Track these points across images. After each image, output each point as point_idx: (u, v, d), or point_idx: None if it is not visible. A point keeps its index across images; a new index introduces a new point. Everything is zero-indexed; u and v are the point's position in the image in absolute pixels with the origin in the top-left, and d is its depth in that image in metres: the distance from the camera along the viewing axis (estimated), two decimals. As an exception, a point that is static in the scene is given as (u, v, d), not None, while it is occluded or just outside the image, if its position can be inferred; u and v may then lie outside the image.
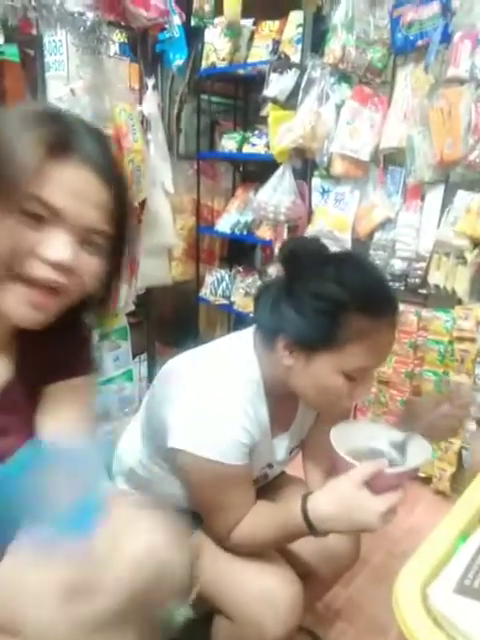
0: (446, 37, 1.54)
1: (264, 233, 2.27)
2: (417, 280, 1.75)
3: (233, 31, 2.26)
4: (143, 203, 1.86)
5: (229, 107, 2.72)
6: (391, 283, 1.73)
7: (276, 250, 2.16)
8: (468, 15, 1.49)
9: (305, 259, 0.79)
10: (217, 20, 2.29)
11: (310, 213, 2.04)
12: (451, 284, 1.66)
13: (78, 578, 0.52)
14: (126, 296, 1.83)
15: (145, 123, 1.92)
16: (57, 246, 0.55)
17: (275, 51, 2.15)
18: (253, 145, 2.33)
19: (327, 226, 1.91)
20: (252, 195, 2.34)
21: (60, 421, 0.66)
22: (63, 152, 0.55)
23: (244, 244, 2.62)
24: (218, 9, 2.22)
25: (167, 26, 1.96)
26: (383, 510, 0.71)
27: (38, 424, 0.67)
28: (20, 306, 0.56)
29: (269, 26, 2.25)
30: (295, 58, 2.03)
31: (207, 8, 2.20)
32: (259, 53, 2.26)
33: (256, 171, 2.61)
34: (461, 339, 1.66)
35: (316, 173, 1.99)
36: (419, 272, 1.74)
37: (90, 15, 1.66)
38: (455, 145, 1.54)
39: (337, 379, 0.77)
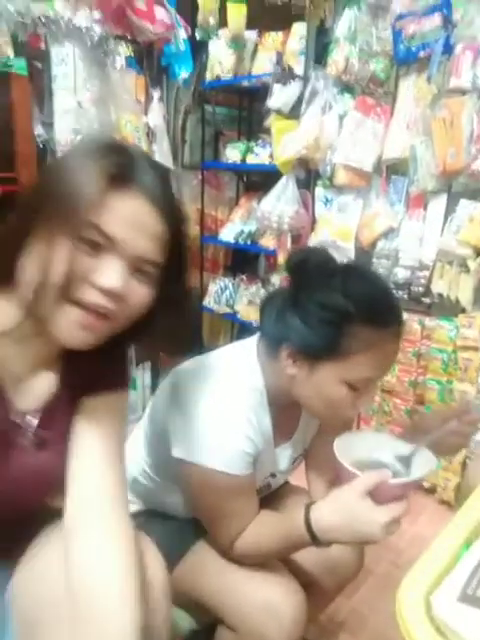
0: (448, 48, 1.56)
1: (268, 242, 2.28)
2: (420, 289, 1.76)
3: (237, 43, 2.30)
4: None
5: (233, 118, 2.75)
6: (394, 292, 1.74)
7: (280, 259, 2.16)
8: (469, 27, 1.51)
9: (312, 269, 0.79)
10: (221, 32, 2.32)
11: (313, 222, 2.05)
12: (454, 293, 1.66)
13: None
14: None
15: (150, 134, 1.95)
16: (110, 274, 0.56)
17: (279, 62, 2.18)
18: (257, 155, 2.35)
19: (330, 235, 1.92)
20: (256, 204, 2.35)
21: (92, 436, 0.67)
22: (123, 183, 0.57)
23: (248, 253, 2.63)
24: (222, 21, 2.25)
25: (172, 40, 2.00)
26: (386, 521, 0.70)
27: (72, 438, 0.68)
28: (71, 328, 0.58)
29: (273, 38, 2.28)
30: (298, 69, 2.05)
31: (212, 21, 2.23)
32: (263, 65, 2.28)
33: (260, 181, 2.63)
34: (465, 348, 1.66)
35: (319, 183, 2.01)
36: (422, 281, 1.74)
37: (97, 30, 1.69)
38: (458, 154, 1.55)
39: (341, 389, 0.77)
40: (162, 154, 1.96)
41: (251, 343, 0.89)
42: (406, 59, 1.69)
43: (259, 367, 0.86)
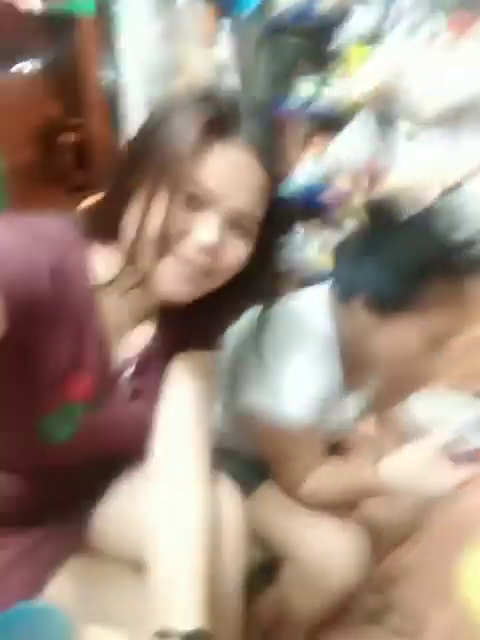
0: None
1: (343, 183, 2.16)
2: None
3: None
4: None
5: (308, 48, 2.55)
6: (477, 240, 1.60)
7: (355, 202, 2.05)
8: None
9: (393, 214, 0.75)
10: None
11: (393, 163, 1.90)
12: None
13: None
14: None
15: (220, 68, 1.86)
16: (206, 230, 0.55)
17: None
18: (332, 89, 2.18)
19: (412, 177, 1.78)
20: (330, 143, 2.22)
21: (182, 389, 0.69)
22: (221, 134, 0.55)
23: (320, 195, 2.51)
24: None
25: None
26: (454, 480, 0.70)
27: (163, 390, 0.70)
28: (170, 281, 0.58)
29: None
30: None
31: None
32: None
33: (335, 117, 2.46)
34: None
35: (402, 119, 1.84)
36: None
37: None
38: None
39: (416, 342, 0.75)
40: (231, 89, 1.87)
41: (323, 290, 0.87)
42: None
43: (331, 315, 0.83)
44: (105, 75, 1.75)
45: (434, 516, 0.97)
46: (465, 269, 0.72)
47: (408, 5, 1.68)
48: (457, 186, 1.69)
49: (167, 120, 0.56)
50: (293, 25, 2.40)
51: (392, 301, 0.74)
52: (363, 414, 1.00)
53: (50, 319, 0.58)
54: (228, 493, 0.71)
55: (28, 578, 0.69)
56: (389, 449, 0.94)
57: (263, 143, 0.57)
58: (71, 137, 4.73)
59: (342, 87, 2.11)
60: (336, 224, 2.42)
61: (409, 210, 0.77)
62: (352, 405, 0.94)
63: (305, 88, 2.32)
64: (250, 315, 0.87)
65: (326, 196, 2.27)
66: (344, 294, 0.80)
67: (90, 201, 0.66)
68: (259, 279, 0.66)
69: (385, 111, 1.90)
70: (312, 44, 2.52)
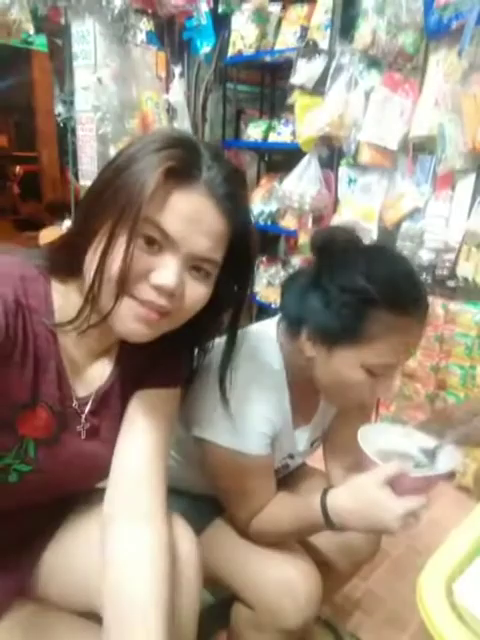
0: (482, 19, 1.48)
1: (289, 223, 2.25)
2: (445, 272, 1.71)
3: (260, 17, 2.23)
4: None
5: (255, 95, 2.69)
6: (418, 275, 1.70)
7: (301, 240, 2.13)
8: (506, -4, 1.43)
9: (336, 250, 0.78)
10: (244, 6, 2.26)
11: (336, 203, 2.01)
12: (481, 276, 1.62)
13: None
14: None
15: (171, 111, 1.92)
16: (164, 273, 0.56)
17: (303, 37, 2.11)
18: (279, 133, 2.30)
19: (353, 216, 1.88)
20: (277, 184, 2.31)
21: (140, 428, 0.68)
22: (184, 179, 0.56)
23: (268, 234, 2.60)
24: (245, -6, 2.18)
25: (194, 13, 1.95)
26: (402, 513, 0.68)
27: (121, 428, 0.69)
28: (128, 321, 0.58)
29: (297, 11, 2.20)
30: (323, 44, 1.98)
31: (234, -6, 2.17)
32: (287, 40, 2.21)
33: (282, 160, 2.58)
34: (490, 333, 1.62)
35: (343, 162, 1.96)
36: (447, 264, 1.70)
37: (117, 3, 1.66)
38: (488, 133, 1.49)
39: (359, 374, 0.76)
40: (183, 132, 1.93)
41: (271, 324, 0.89)
42: (437, 31, 1.61)
43: (279, 348, 0.85)
44: (59, 110, 1.77)
45: (389, 539, 0.97)
46: (406, 302, 0.75)
47: (346, 62, 1.82)
48: (396, 224, 1.80)
49: (131, 163, 0.56)
50: (242, 72, 2.53)
51: (334, 333, 0.75)
52: (313, 446, 1.01)
53: (7, 355, 0.57)
54: (182, 531, 0.70)
55: None
56: (338, 481, 0.95)
57: (225, 190, 0.58)
58: (18, 169, 4.67)
59: (288, 132, 2.23)
60: (283, 261, 2.51)
61: (353, 244, 0.80)
62: (303, 437, 0.95)
63: (254, 132, 2.42)
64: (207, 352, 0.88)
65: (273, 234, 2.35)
66: (291, 327, 0.82)
67: (44, 236, 0.66)
68: (218, 320, 0.67)
69: (328, 155, 2.02)
70: (260, 91, 2.67)
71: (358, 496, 0.73)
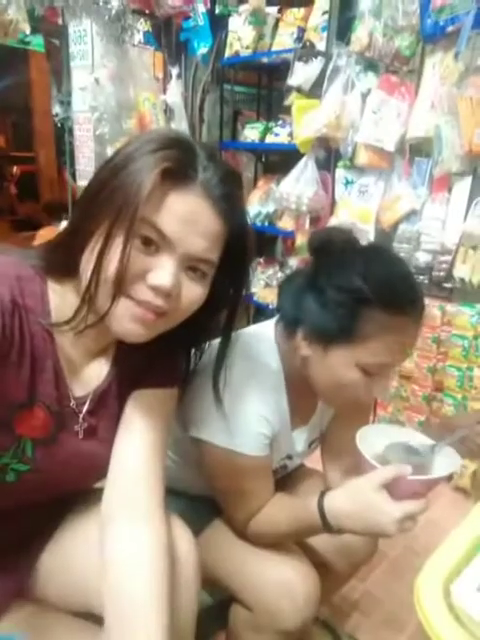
0: (478, 22, 1.49)
1: (286, 224, 2.25)
2: (442, 273, 1.72)
3: (257, 19, 2.24)
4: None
5: (252, 96, 2.70)
6: (416, 277, 1.70)
7: (298, 241, 2.14)
8: (502, -1, 1.44)
9: (333, 250, 0.78)
10: (242, 8, 2.26)
11: (333, 204, 2.01)
12: (477, 278, 1.62)
13: None
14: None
15: (168, 112, 1.92)
16: (161, 273, 0.56)
17: (300, 39, 2.12)
18: (276, 135, 2.30)
19: (350, 217, 1.88)
20: (274, 186, 2.32)
21: (137, 428, 0.68)
22: (180, 179, 0.56)
23: (265, 235, 2.60)
24: (243, -4, 2.19)
25: (191, 14, 1.95)
26: (399, 516, 0.68)
27: (119, 428, 0.69)
28: (124, 321, 0.58)
29: (294, 13, 2.21)
30: (320, 46, 1.99)
31: (232, -5, 2.17)
32: (283, 41, 2.22)
33: (279, 161, 2.59)
34: (486, 334, 1.63)
35: (340, 163, 1.96)
36: (444, 265, 1.70)
37: (115, 3, 1.66)
38: (485, 135, 1.49)
39: (354, 373, 0.76)
40: (180, 133, 1.93)
41: (269, 325, 0.89)
42: (433, 34, 1.62)
43: (276, 349, 0.85)
44: (57, 110, 1.77)
45: (386, 540, 0.97)
46: (402, 302, 0.75)
47: (342, 64, 1.83)
48: (393, 226, 1.81)
49: (128, 163, 0.56)
50: (239, 74, 2.54)
51: (330, 332, 0.76)
52: (312, 447, 1.01)
53: (4, 355, 0.57)
54: (180, 532, 0.70)
55: None
56: (336, 483, 0.95)
57: (221, 191, 0.58)
58: (15, 170, 4.67)
59: (285, 133, 2.24)
60: (280, 262, 2.51)
61: (350, 245, 0.80)
62: (301, 438, 0.95)
63: (251, 133, 2.43)
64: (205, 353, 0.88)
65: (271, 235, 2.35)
66: (288, 327, 0.82)
67: (41, 236, 0.66)
68: (215, 320, 0.67)
69: (325, 156, 2.02)
70: (257, 92, 2.67)
71: (355, 499, 0.73)
